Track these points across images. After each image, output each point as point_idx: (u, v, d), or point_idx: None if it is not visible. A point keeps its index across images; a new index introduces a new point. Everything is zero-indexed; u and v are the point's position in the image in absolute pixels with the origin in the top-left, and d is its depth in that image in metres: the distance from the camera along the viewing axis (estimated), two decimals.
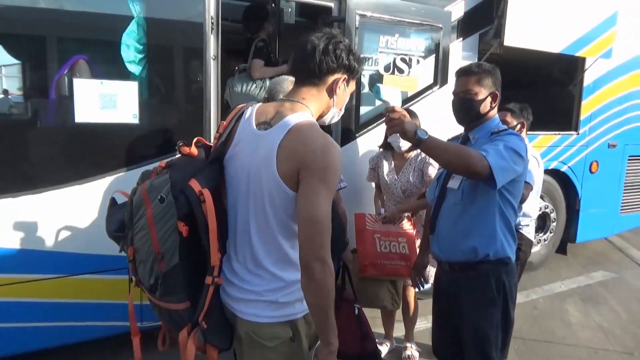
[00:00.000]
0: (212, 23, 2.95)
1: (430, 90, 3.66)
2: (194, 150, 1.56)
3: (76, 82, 2.66)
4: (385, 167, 3.16)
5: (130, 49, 2.78)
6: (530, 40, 4.11)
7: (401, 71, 3.51)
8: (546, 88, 5.28)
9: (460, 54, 4.10)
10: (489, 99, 2.16)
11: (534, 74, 5.20)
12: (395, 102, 1.96)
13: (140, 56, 2.82)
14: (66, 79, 2.71)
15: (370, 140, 3.42)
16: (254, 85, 3.48)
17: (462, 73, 2.22)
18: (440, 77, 3.69)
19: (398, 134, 1.92)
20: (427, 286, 2.62)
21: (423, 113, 3.61)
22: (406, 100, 3.59)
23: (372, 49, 3.39)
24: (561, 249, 5.43)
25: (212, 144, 1.59)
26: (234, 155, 1.52)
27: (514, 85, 5.06)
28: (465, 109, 2.18)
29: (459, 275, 2.21)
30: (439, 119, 3.71)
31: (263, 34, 3.69)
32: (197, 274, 1.50)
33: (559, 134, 4.91)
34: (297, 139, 1.40)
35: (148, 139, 2.96)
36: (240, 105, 1.61)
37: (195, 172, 1.48)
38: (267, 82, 3.51)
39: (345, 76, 1.54)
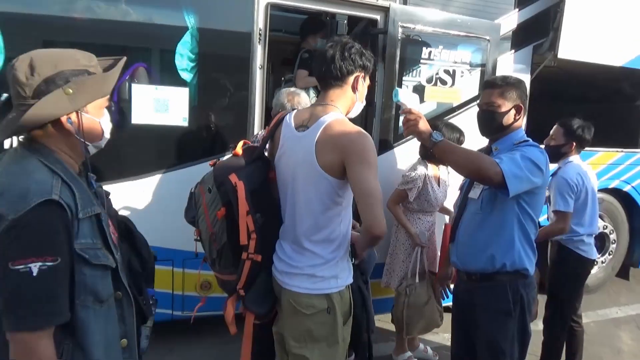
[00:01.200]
0: (260, 34, 3.14)
1: (475, 103, 3.63)
2: (238, 150, 1.91)
3: (134, 87, 2.94)
4: (433, 180, 3.19)
5: (184, 58, 3.03)
6: (587, 52, 3.97)
7: (444, 83, 3.52)
8: (609, 103, 5.03)
9: (512, 66, 4.04)
10: (512, 111, 2.15)
11: (594, 88, 4.97)
12: (413, 105, 2.02)
13: (192, 64, 3.06)
14: (127, 84, 3.00)
15: (407, 150, 3.45)
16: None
17: (487, 85, 2.25)
18: None
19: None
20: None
21: (468, 125, 3.62)
22: (449, 111, 3.59)
23: (414, 60, 3.43)
24: (623, 274, 5.11)
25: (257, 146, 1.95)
26: (281, 155, 1.87)
27: (572, 99, 4.91)
28: (488, 120, 2.20)
29: (476, 285, 2.21)
30: None
31: (308, 46, 3.86)
32: (238, 252, 1.82)
33: (622, 151, 4.66)
34: (332, 134, 1.71)
35: (195, 141, 3.20)
36: (280, 113, 1.98)
37: (236, 168, 1.82)
38: (311, 92, 3.67)
39: (362, 74, 1.86)
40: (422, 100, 3.48)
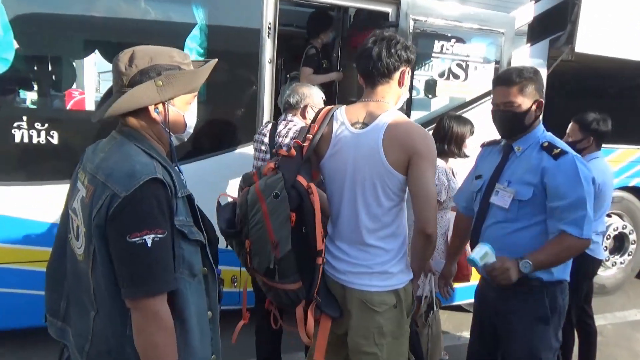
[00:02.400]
0: (269, 28, 3.11)
1: (489, 97, 3.54)
2: (293, 151, 1.82)
3: None
4: (450, 173, 3.02)
5: (193, 52, 3.02)
6: (605, 46, 3.86)
7: (457, 77, 3.46)
8: (629, 98, 4.88)
9: (528, 60, 3.95)
10: (533, 109, 2.00)
11: (613, 83, 4.83)
12: (491, 258, 1.91)
13: (201, 59, 3.04)
14: None
15: None
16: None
17: (502, 82, 2.04)
18: None
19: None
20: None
21: (481, 119, 3.55)
22: (462, 105, 3.53)
23: (426, 53, 3.37)
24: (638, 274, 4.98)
25: (305, 145, 1.85)
26: (335, 153, 1.83)
27: (590, 95, 4.77)
28: (508, 122, 2.03)
29: (509, 292, 2.04)
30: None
31: (316, 42, 3.82)
32: (303, 258, 1.76)
33: None
34: (400, 132, 1.74)
35: (203, 136, 3.19)
36: (324, 109, 1.90)
37: (299, 169, 1.77)
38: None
39: (407, 68, 1.86)
40: (434, 94, 3.43)
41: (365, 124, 1.79)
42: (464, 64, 3.47)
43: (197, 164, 3.09)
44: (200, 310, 1.37)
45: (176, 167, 1.43)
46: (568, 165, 1.92)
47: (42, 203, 2.86)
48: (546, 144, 1.99)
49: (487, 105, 3.55)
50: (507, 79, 2.01)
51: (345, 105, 1.90)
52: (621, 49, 3.97)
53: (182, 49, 2.98)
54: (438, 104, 3.50)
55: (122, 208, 1.21)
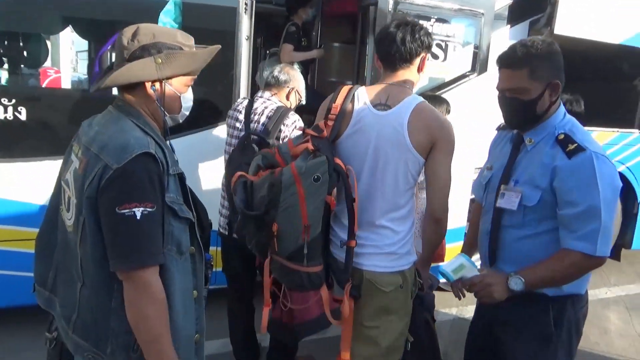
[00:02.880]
0: (246, 4, 3.05)
1: (468, 78, 3.56)
2: (324, 132, 1.76)
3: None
4: None
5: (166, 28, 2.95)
6: (585, 29, 3.87)
7: (436, 57, 3.44)
8: (606, 81, 4.93)
9: (507, 42, 3.93)
10: (547, 94, 1.64)
11: (591, 66, 4.88)
12: (469, 272, 1.74)
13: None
14: (108, 54, 2.92)
15: None
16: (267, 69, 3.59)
17: (506, 64, 1.67)
18: (479, 65, 3.57)
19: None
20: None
21: (459, 100, 3.55)
22: (442, 86, 3.52)
23: None
24: (614, 255, 5.08)
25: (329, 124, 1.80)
26: (354, 132, 1.79)
27: (568, 78, 4.81)
28: (516, 111, 1.71)
29: (511, 301, 1.69)
30: (476, 107, 3.62)
31: (297, 19, 3.77)
32: (326, 241, 1.79)
33: (618, 131, 4.59)
34: (427, 117, 1.74)
35: None
36: (345, 88, 1.86)
37: (332, 151, 1.74)
38: (296, 67, 3.60)
39: (427, 54, 1.85)
40: None
41: (388, 106, 1.77)
42: (443, 45, 3.45)
43: (174, 142, 3.03)
44: (186, 288, 1.37)
45: (169, 145, 1.42)
46: (583, 165, 1.57)
47: (17, 181, 2.81)
48: (562, 136, 1.63)
49: (465, 86, 3.57)
50: (511, 59, 1.65)
51: (365, 86, 1.88)
52: (599, 32, 3.99)
53: (156, 23, 2.91)
54: (417, 84, 3.48)
55: (113, 180, 1.22)
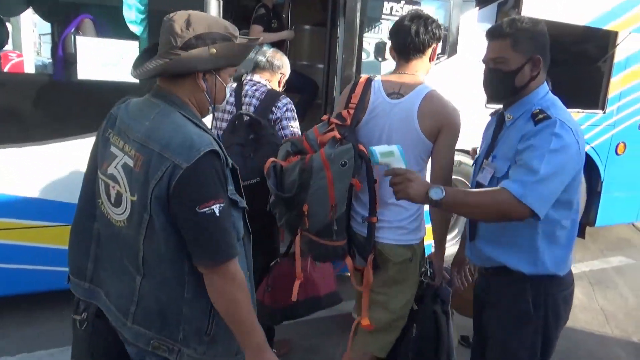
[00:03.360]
0: None
1: (438, 60, 3.59)
2: (348, 121, 1.93)
3: (80, 40, 2.79)
4: None
5: (132, 10, 2.87)
6: (551, 11, 3.94)
7: None
8: (572, 63, 5.04)
9: (476, 24, 3.99)
10: (527, 67, 1.67)
11: (558, 47, 4.98)
12: (396, 162, 1.69)
13: (142, 17, 2.91)
14: (72, 37, 2.84)
15: None
16: (252, 52, 3.54)
17: (491, 35, 1.72)
18: (449, 47, 3.60)
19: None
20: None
21: (430, 82, 3.58)
22: None
23: (376, 15, 3.34)
24: (580, 232, 5.27)
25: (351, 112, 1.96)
26: (370, 119, 1.96)
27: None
28: (495, 82, 1.74)
29: (492, 279, 1.83)
30: (446, 90, 3.66)
31: (266, 1, 3.74)
32: (349, 217, 1.98)
33: (582, 111, 4.71)
34: (435, 104, 1.92)
35: None
36: (362, 79, 2.03)
37: (356, 138, 1.91)
38: (265, 49, 3.57)
39: (438, 44, 2.02)
40: (383, 57, 3.42)
41: (401, 95, 1.93)
42: None
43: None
44: (243, 269, 1.43)
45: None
46: (545, 128, 1.59)
47: None
48: (537, 111, 1.65)
49: (436, 68, 3.58)
50: (496, 30, 1.71)
51: (381, 76, 2.05)
52: (566, 14, 4.07)
53: (121, 5, 2.84)
54: (388, 66, 3.50)
55: (187, 180, 1.24)
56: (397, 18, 3.35)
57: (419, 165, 1.96)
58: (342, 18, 3.25)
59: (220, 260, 1.29)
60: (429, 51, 2.00)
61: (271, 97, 2.57)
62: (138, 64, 1.40)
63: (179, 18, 1.32)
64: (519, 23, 1.67)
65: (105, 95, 2.96)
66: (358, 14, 3.25)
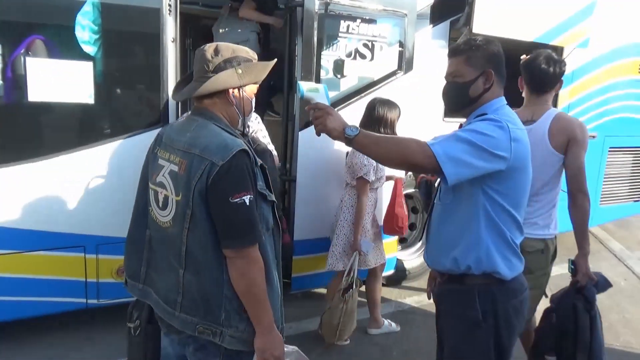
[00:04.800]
0: (170, 5, 2.98)
1: (394, 77, 3.67)
2: None
3: (30, 61, 2.71)
4: None
5: (85, 30, 2.82)
6: (501, 28, 4.10)
7: (363, 57, 3.52)
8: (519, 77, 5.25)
9: (430, 42, 4.11)
10: (480, 79, 1.78)
11: (510, 63, 5.18)
12: (320, 99, 1.79)
13: (96, 37, 2.86)
14: (22, 57, 2.75)
15: None
16: (238, 30, 3.86)
17: (450, 53, 1.88)
18: (405, 63, 3.69)
19: None
20: None
21: (388, 98, 3.65)
22: (370, 84, 3.60)
23: (333, 34, 3.39)
24: None
25: None
26: None
27: None
28: (452, 93, 1.86)
29: (445, 286, 1.92)
30: (403, 105, 3.74)
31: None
32: None
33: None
34: (563, 122, 2.39)
35: (104, 119, 3.02)
36: None
37: None
38: (250, 37, 3.67)
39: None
40: (342, 74, 3.47)
41: (533, 121, 2.42)
42: (370, 44, 3.53)
43: (96, 150, 2.93)
44: (273, 257, 1.66)
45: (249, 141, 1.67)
46: (480, 120, 1.73)
47: None
48: (483, 114, 1.76)
49: (393, 85, 3.68)
50: (454, 49, 1.87)
51: (515, 109, 2.22)
52: (514, 30, 4.24)
53: (73, 24, 2.78)
54: (347, 83, 3.55)
55: (223, 174, 1.45)
56: (353, 36, 3.45)
57: (549, 175, 2.41)
58: (300, 36, 3.29)
59: (247, 244, 1.49)
60: (557, 86, 2.49)
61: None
62: (178, 89, 1.73)
63: (209, 48, 1.60)
64: (473, 42, 1.82)
65: (56, 117, 2.89)
66: (316, 32, 3.29)
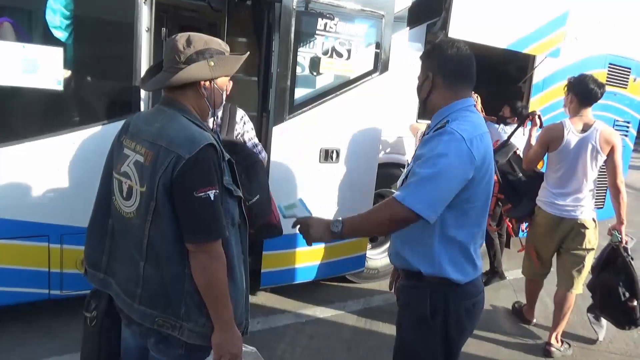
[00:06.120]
0: None
1: (370, 77, 3.70)
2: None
3: None
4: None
5: (57, 14, 2.76)
6: (476, 33, 4.18)
7: (340, 55, 3.54)
8: (498, 83, 5.36)
9: (407, 43, 4.16)
10: (426, 83, 1.84)
11: (486, 68, 5.29)
12: (300, 212, 1.92)
13: (67, 22, 2.80)
14: None
15: (302, 123, 3.44)
16: None
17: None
18: (380, 64, 3.72)
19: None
20: None
21: (362, 98, 3.68)
22: (346, 83, 3.62)
23: (310, 31, 3.40)
24: (506, 244, 5.54)
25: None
26: (563, 147, 3.38)
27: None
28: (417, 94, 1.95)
29: (404, 281, 1.96)
30: (378, 105, 3.79)
31: None
32: None
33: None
34: (607, 133, 3.32)
35: (73, 106, 2.96)
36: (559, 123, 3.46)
37: None
38: None
39: None
40: (318, 72, 3.48)
41: (585, 131, 3.31)
42: (347, 43, 3.55)
43: (64, 138, 2.88)
44: (238, 253, 1.66)
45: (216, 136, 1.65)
46: (436, 136, 1.71)
47: None
48: (443, 123, 1.75)
49: (369, 84, 3.71)
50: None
51: (569, 119, 3.42)
52: (489, 37, 4.32)
53: (44, 10, 2.71)
54: (322, 81, 3.56)
55: (188, 168, 1.44)
56: (331, 34, 3.46)
57: (593, 170, 3.35)
58: (277, 32, 3.28)
59: (210, 239, 1.49)
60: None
61: (230, 114, 2.66)
62: (146, 78, 1.68)
63: (180, 38, 1.58)
64: (429, 47, 1.94)
65: (23, 103, 2.82)
66: (293, 29, 3.29)
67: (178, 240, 1.49)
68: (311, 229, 1.81)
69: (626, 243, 3.42)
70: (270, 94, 3.41)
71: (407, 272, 1.90)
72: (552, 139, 3.40)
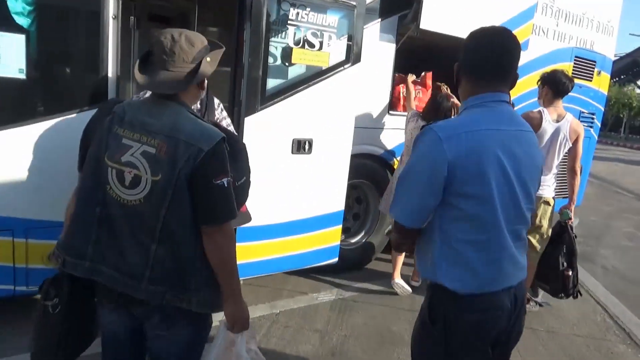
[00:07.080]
0: None
1: (342, 67, 3.69)
2: None
3: None
4: None
5: (18, 2, 2.65)
6: (446, 25, 4.22)
7: (312, 46, 3.52)
8: None
9: (378, 35, 4.17)
10: (456, 78, 1.81)
11: (452, 60, 5.35)
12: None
13: (29, 8, 2.70)
14: None
15: (274, 114, 3.42)
16: None
17: None
18: (353, 55, 3.72)
19: None
20: None
21: (335, 89, 3.68)
22: (318, 74, 3.61)
23: (282, 21, 3.37)
24: None
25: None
26: (541, 134, 3.62)
27: (434, 69, 5.21)
28: None
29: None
30: (351, 96, 3.79)
31: None
32: None
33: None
34: (575, 123, 3.68)
35: (36, 96, 2.87)
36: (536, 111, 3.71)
37: None
38: None
39: None
40: (290, 62, 3.46)
41: (558, 121, 3.64)
42: (319, 34, 3.53)
43: (27, 129, 2.79)
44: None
45: None
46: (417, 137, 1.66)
47: None
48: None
49: (341, 75, 3.70)
50: None
51: (545, 108, 3.70)
52: (461, 28, 4.36)
53: None
54: (295, 72, 3.54)
55: (208, 159, 1.59)
56: (303, 24, 3.44)
57: (560, 156, 3.70)
58: (248, 22, 3.24)
59: (227, 219, 1.66)
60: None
61: (208, 101, 2.68)
62: (147, 79, 1.66)
63: (179, 37, 1.64)
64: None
65: None
66: (264, 18, 3.26)
67: (192, 223, 1.63)
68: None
69: (572, 222, 3.88)
70: (242, 84, 3.37)
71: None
72: (531, 126, 3.39)
